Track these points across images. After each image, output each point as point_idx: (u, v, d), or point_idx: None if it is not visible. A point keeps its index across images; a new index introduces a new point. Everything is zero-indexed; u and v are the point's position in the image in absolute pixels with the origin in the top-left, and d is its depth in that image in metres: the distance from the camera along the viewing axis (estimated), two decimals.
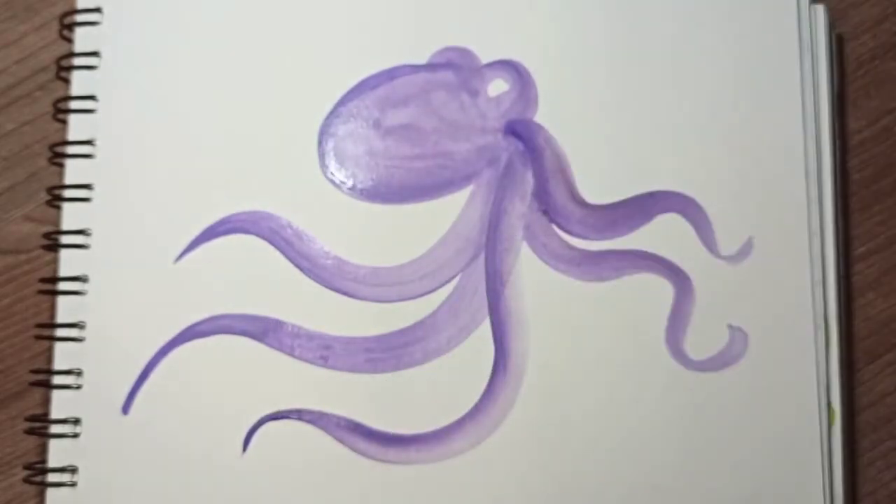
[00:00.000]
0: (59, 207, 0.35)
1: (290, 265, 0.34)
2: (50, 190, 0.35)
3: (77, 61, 0.36)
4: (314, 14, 0.36)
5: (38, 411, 0.35)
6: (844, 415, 0.33)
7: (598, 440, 0.33)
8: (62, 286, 0.34)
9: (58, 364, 0.34)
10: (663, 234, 0.34)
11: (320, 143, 0.35)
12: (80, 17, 0.37)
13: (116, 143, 0.36)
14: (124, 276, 0.34)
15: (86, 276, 0.34)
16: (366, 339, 0.34)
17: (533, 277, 0.34)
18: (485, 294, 0.34)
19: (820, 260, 0.34)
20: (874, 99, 0.37)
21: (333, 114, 0.35)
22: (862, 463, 0.35)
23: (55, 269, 0.35)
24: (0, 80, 0.38)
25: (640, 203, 0.34)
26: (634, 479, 0.33)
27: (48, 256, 0.36)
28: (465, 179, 0.35)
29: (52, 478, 0.33)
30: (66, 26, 0.36)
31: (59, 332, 0.34)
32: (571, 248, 0.34)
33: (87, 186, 0.35)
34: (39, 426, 0.34)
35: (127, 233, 0.35)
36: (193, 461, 0.33)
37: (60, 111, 0.36)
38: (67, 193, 0.35)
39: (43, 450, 0.34)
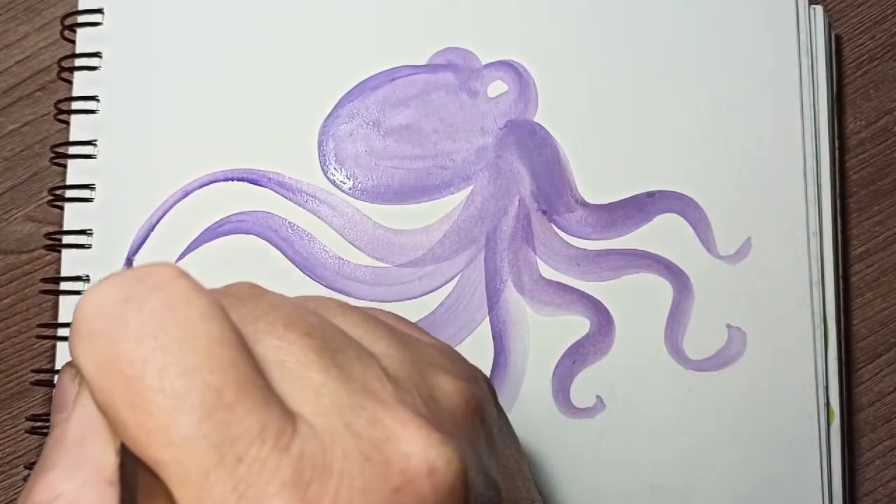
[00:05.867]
0: (60, 208, 0.35)
1: (291, 265, 0.34)
2: (52, 190, 0.35)
3: (79, 62, 0.36)
4: (314, 15, 0.36)
5: (40, 411, 0.35)
6: (843, 414, 0.33)
7: (596, 439, 0.33)
8: (64, 286, 0.34)
9: (59, 364, 0.34)
10: (662, 234, 0.34)
11: (320, 143, 0.35)
12: (81, 18, 0.36)
13: (118, 144, 0.35)
14: None
15: (87, 276, 0.35)
16: None
17: (533, 277, 0.34)
18: (484, 294, 0.34)
19: (818, 260, 0.34)
20: (872, 99, 0.37)
21: (333, 114, 0.35)
22: (860, 462, 0.35)
23: (57, 269, 0.35)
24: (1, 80, 0.38)
25: (640, 203, 0.34)
26: (633, 478, 0.33)
27: (50, 256, 0.37)
28: (465, 180, 0.35)
29: None
30: (68, 27, 0.36)
31: (61, 332, 0.34)
32: (571, 247, 0.34)
33: (88, 187, 0.35)
34: (41, 426, 0.34)
35: (128, 234, 0.35)
36: None
37: (62, 112, 0.36)
38: (69, 194, 0.35)
39: None
